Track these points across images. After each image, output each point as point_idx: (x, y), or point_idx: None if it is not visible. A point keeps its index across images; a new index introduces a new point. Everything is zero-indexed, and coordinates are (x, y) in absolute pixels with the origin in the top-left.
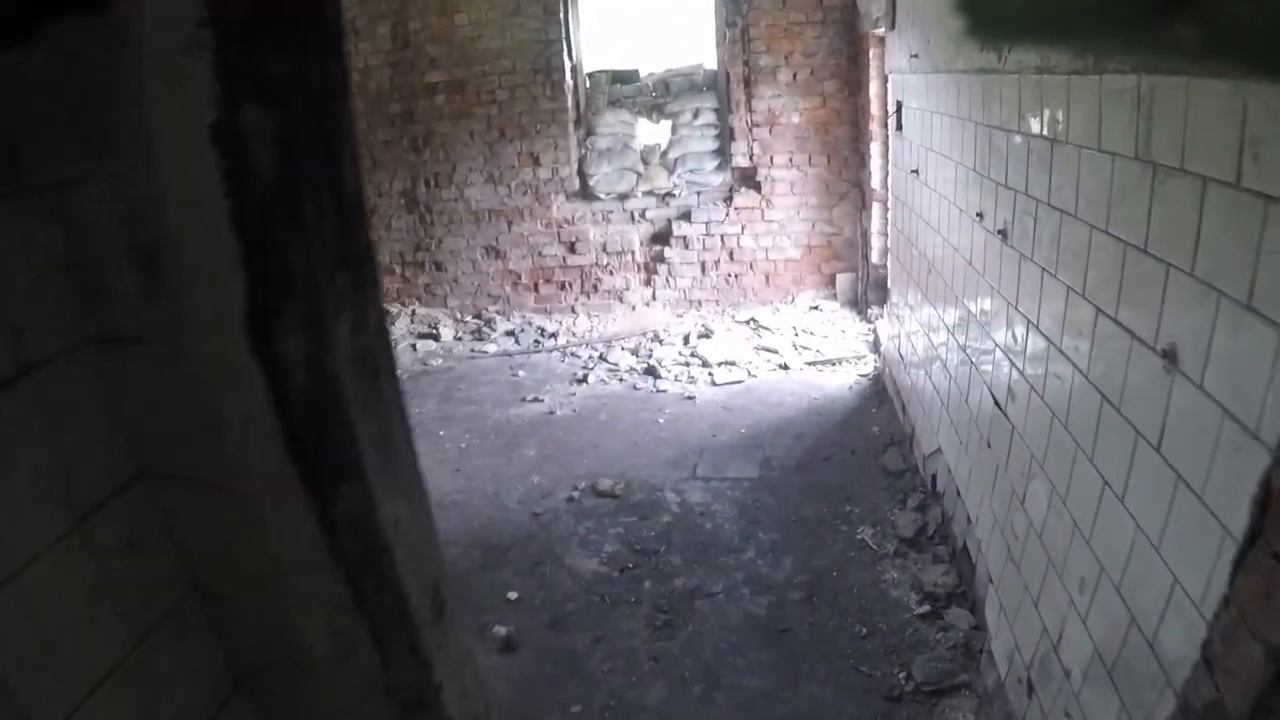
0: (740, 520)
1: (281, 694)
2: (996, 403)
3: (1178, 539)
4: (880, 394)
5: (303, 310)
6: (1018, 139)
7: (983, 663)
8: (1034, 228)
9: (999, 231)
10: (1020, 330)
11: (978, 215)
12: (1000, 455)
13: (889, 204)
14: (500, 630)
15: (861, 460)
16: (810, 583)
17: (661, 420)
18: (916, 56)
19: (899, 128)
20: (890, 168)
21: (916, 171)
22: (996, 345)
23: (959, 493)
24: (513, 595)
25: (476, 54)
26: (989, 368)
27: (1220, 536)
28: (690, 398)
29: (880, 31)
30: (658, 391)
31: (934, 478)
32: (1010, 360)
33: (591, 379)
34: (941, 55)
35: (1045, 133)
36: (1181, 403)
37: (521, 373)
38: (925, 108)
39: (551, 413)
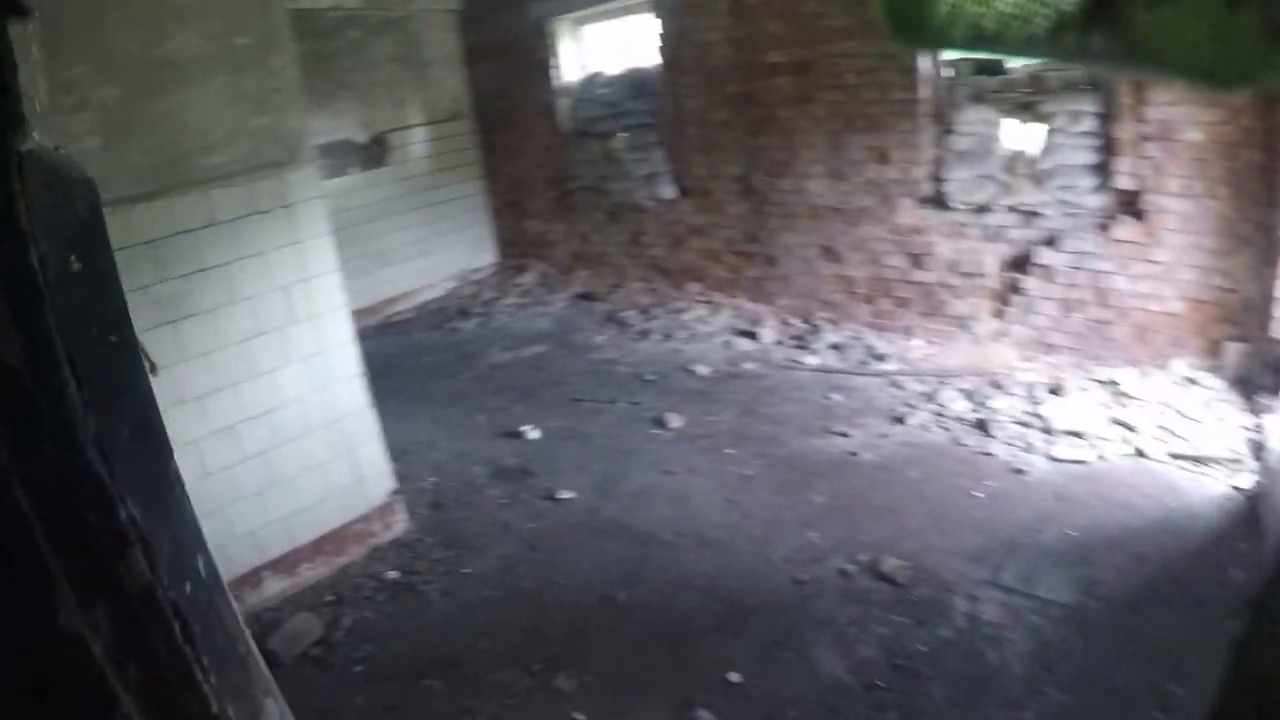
0: (1033, 661)
1: None
2: None
3: None
4: (1254, 523)
5: None
6: None
7: None
8: None
9: None
10: None
11: None
12: None
13: None
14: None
15: (1208, 617)
16: None
17: (980, 495)
18: None
19: None
20: None
21: None
22: None
23: None
24: (734, 678)
25: (821, 33)
26: None
27: None
28: (1020, 471)
29: None
30: (984, 454)
31: None
32: None
33: (912, 421)
34: None
35: None
36: None
37: (836, 396)
38: None
39: (855, 454)
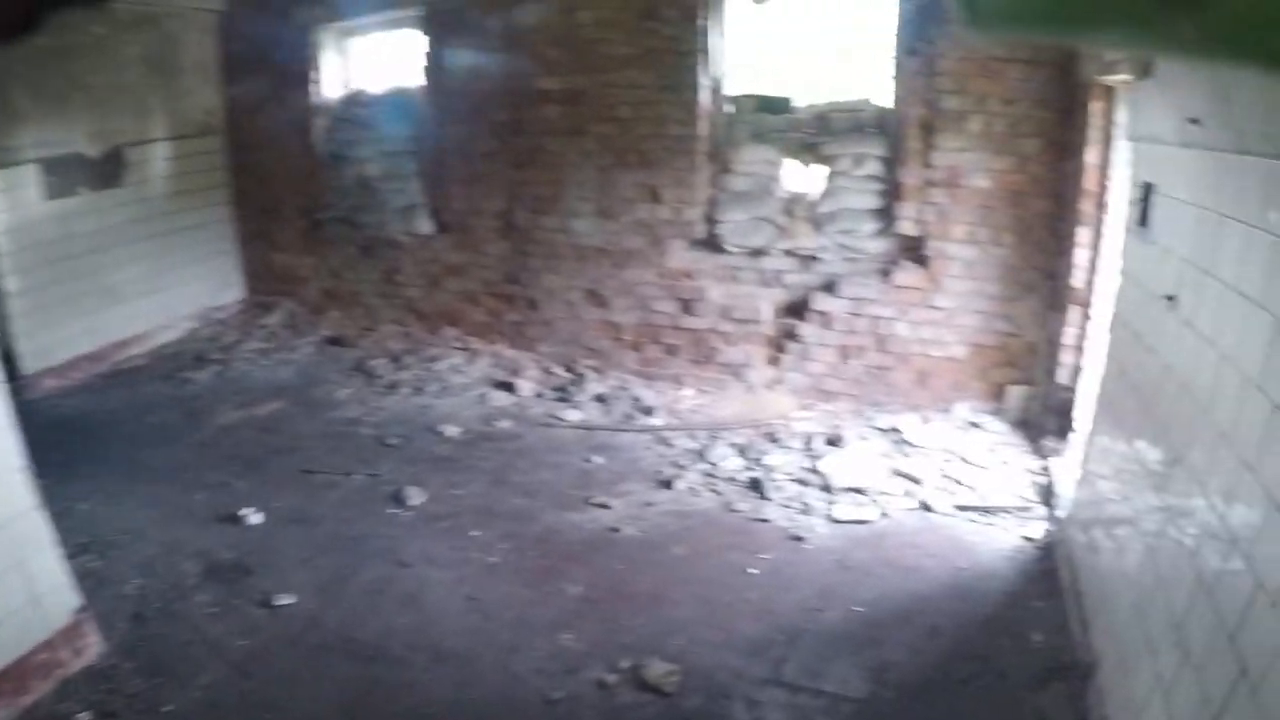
0: None
1: None
2: None
3: None
4: (1050, 577)
5: None
6: None
7: None
8: None
9: None
10: None
11: None
12: None
13: (1099, 317)
14: None
15: (1012, 695)
16: None
17: (755, 571)
18: (1197, 123)
19: (1142, 222)
20: (1118, 273)
21: (1173, 299)
22: None
23: None
24: None
25: (598, 60)
26: None
27: None
28: (799, 538)
29: (1118, 79)
30: (759, 520)
31: None
32: None
33: (680, 484)
34: (1260, 125)
35: None
36: None
37: (598, 458)
38: (1206, 204)
39: (616, 530)
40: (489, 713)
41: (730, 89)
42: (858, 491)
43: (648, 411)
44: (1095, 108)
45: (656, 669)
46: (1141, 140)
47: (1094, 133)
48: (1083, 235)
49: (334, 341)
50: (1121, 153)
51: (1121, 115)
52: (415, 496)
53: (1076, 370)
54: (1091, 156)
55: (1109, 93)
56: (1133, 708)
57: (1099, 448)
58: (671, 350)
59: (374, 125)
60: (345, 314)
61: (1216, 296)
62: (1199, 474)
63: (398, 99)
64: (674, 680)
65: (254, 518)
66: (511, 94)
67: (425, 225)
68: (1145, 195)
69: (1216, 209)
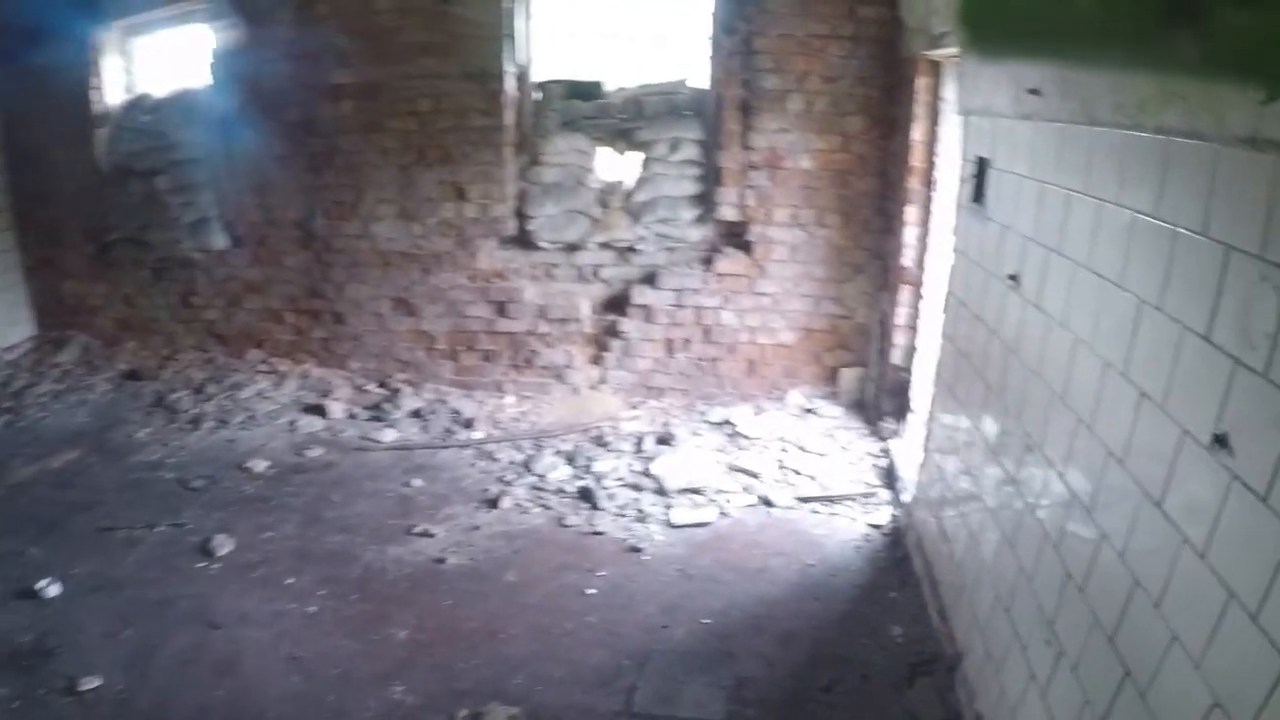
0: None
1: None
2: None
3: None
4: (902, 565)
5: None
6: None
7: None
8: None
9: (1216, 439)
10: None
11: (1216, 440)
12: None
13: (932, 296)
14: None
15: (879, 697)
16: None
17: (593, 590)
18: (1037, 93)
19: (977, 199)
20: (951, 252)
21: (1015, 278)
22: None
23: None
24: None
25: (397, 49)
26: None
27: None
28: (637, 549)
29: (944, 53)
30: (593, 533)
31: None
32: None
33: (507, 502)
34: (1108, 94)
35: None
36: None
37: (418, 481)
38: (1046, 179)
39: (442, 561)
40: None
41: (538, 75)
42: (694, 492)
43: (468, 424)
44: (921, 83)
45: (497, 715)
46: (973, 114)
47: (920, 109)
48: (911, 214)
49: (132, 375)
50: (950, 128)
51: (949, 90)
52: (223, 545)
53: (911, 350)
54: (918, 133)
55: (935, 67)
56: (1007, 705)
57: (940, 429)
58: (489, 356)
59: (161, 133)
60: (142, 344)
61: (1067, 276)
62: (1054, 458)
63: (185, 102)
64: None
65: (51, 589)
66: (304, 90)
67: (219, 240)
68: (979, 171)
69: (1063, 184)
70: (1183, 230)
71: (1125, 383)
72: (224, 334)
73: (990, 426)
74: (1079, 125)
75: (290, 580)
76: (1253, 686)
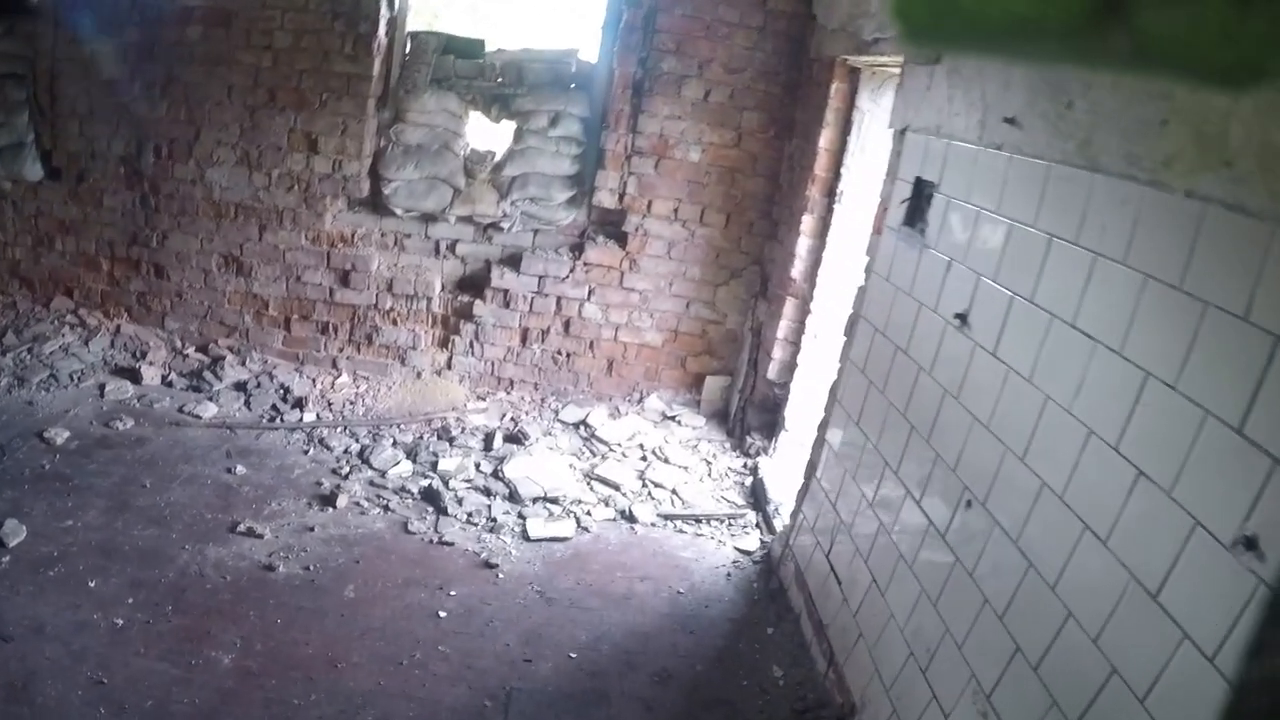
0: None
1: None
2: None
3: None
4: (777, 599)
5: None
6: None
7: None
8: None
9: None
10: None
11: (1245, 541)
12: None
13: (821, 312)
14: None
15: None
16: None
17: (444, 614)
18: (1014, 123)
19: (912, 223)
20: (866, 272)
21: (963, 318)
22: None
23: None
24: None
25: None
26: None
27: None
28: (491, 565)
29: (870, 60)
30: (442, 543)
31: None
32: None
33: (343, 500)
34: (1120, 143)
35: None
36: None
37: (241, 467)
38: (1017, 218)
39: (272, 568)
40: None
41: (413, 24)
42: (551, 501)
43: (298, 404)
44: (836, 88)
45: None
46: (919, 132)
47: (831, 115)
48: (807, 223)
49: None
50: (865, 139)
51: (866, 99)
52: (14, 534)
53: (790, 366)
54: (825, 140)
55: (853, 74)
56: None
57: (834, 459)
58: (325, 329)
59: None
60: None
61: (1041, 328)
62: (1005, 523)
63: (8, 8)
64: None
65: None
66: (147, 8)
67: (33, 170)
68: (917, 194)
69: (1043, 229)
70: (1215, 307)
71: (1117, 456)
72: (28, 277)
73: (914, 469)
74: (1078, 169)
75: (94, 583)
76: None
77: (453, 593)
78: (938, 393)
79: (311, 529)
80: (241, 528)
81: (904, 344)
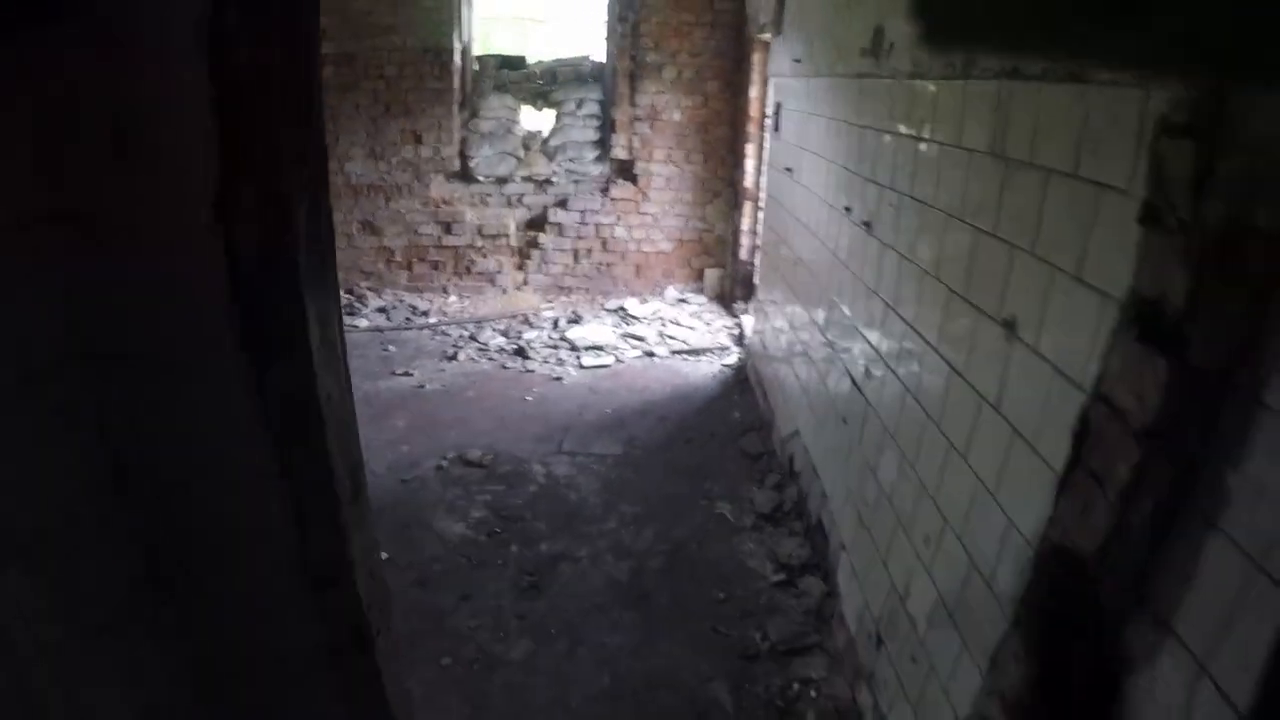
0: (604, 493)
1: (191, 577)
2: (855, 383)
3: (1012, 485)
4: (743, 384)
5: (268, 193)
6: (887, 138)
7: (834, 625)
8: (896, 219)
9: (864, 223)
10: (879, 313)
11: (846, 209)
12: (855, 431)
13: (762, 203)
14: None
15: (722, 443)
16: (670, 552)
17: (529, 399)
18: (799, 61)
19: (777, 129)
20: (766, 168)
21: (790, 170)
22: (858, 329)
23: (815, 470)
24: (382, 555)
25: (368, 28)
26: (849, 351)
27: (1050, 478)
28: (558, 379)
29: (766, 36)
30: (526, 372)
31: (791, 459)
32: (869, 341)
33: (461, 357)
34: (823, 59)
35: (913, 132)
36: (1019, 366)
37: (392, 348)
38: (803, 110)
39: (421, 387)
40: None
41: (477, 50)
42: (598, 349)
43: (424, 314)
44: (756, 57)
45: (474, 453)
46: (776, 75)
47: (756, 75)
48: (750, 150)
49: None
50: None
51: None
52: None
53: (753, 249)
54: (754, 92)
55: (765, 46)
56: (788, 428)
57: (765, 289)
58: (436, 266)
59: None
60: None
61: (809, 160)
62: (818, 290)
63: None
64: (489, 458)
65: None
66: None
67: None
68: (777, 111)
69: (808, 111)
70: (843, 122)
71: (828, 207)
72: None
73: (787, 275)
74: (815, 78)
75: None
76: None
77: (535, 391)
78: (790, 220)
79: (442, 371)
80: (399, 372)
81: (780, 199)
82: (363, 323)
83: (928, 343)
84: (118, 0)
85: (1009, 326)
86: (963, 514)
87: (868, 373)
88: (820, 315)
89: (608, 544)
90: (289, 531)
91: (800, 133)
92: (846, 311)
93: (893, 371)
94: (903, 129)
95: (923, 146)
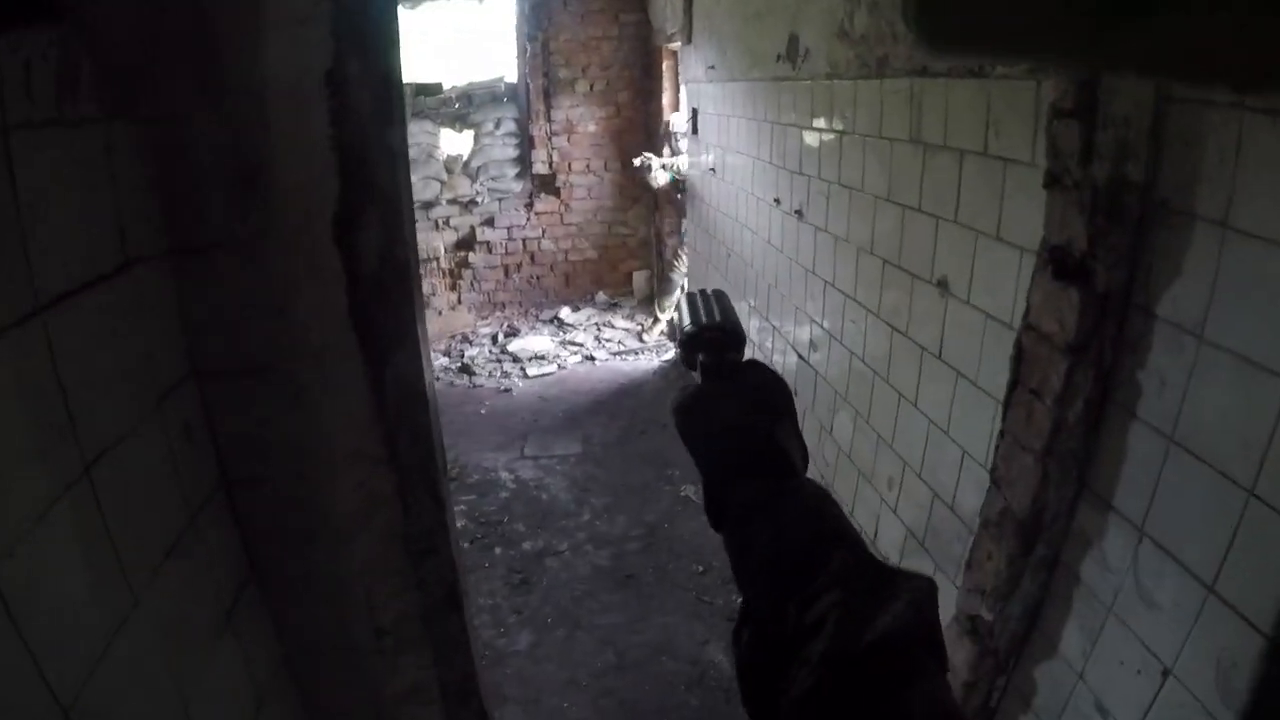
0: (573, 489)
1: (298, 564)
2: (801, 356)
3: (961, 420)
4: (684, 376)
5: (381, 212)
6: (810, 134)
7: None
8: (827, 205)
9: (796, 211)
10: (819, 290)
11: (775, 201)
12: (806, 399)
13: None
14: None
15: (674, 432)
16: (645, 535)
17: (484, 411)
18: (713, 68)
19: (694, 132)
20: (685, 169)
21: (714, 170)
22: (797, 308)
23: None
24: None
25: None
26: (790, 329)
27: (993, 406)
28: (507, 390)
29: (675, 45)
30: (475, 387)
31: None
32: (810, 318)
33: None
34: (738, 66)
35: (835, 127)
36: (954, 317)
37: None
38: (722, 112)
39: None
40: None
41: None
42: (540, 358)
43: None
44: (666, 65)
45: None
46: (690, 82)
47: (667, 82)
48: (666, 152)
49: None
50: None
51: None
52: None
53: (678, 246)
54: (666, 99)
55: (674, 54)
56: None
57: (696, 283)
58: None
59: None
60: None
61: (732, 159)
62: (753, 277)
63: None
64: (456, 470)
65: None
66: None
67: None
68: (694, 115)
69: (727, 113)
70: (764, 122)
71: (756, 199)
72: None
73: (715, 268)
74: (730, 83)
75: None
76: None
77: (487, 403)
78: (717, 215)
79: None
80: None
81: (704, 198)
82: None
83: (868, 310)
84: (264, 61)
85: (942, 285)
86: (919, 454)
87: (812, 344)
88: (756, 299)
89: (586, 535)
90: (395, 508)
91: (720, 134)
92: (784, 293)
93: (837, 340)
94: (825, 125)
95: (846, 139)
